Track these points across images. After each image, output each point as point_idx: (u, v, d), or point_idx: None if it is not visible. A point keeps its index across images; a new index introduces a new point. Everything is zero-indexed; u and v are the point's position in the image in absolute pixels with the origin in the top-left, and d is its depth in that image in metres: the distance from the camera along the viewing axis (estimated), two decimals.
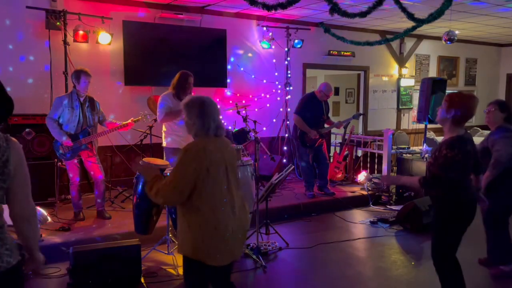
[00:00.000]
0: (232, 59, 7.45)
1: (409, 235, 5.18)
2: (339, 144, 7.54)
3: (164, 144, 4.85)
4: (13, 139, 1.84)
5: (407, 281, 3.98)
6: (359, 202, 6.45)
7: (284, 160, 7.40)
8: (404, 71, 9.71)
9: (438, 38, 9.24)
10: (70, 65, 5.78)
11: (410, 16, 5.74)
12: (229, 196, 2.47)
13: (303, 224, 5.66)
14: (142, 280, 3.84)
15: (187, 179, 2.35)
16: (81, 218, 5.00)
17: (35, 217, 1.96)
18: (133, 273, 3.77)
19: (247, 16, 7.50)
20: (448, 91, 6.46)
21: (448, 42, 7.06)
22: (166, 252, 4.24)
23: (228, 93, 7.44)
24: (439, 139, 8.35)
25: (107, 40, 6.04)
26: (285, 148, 7.84)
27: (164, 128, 4.84)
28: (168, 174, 3.79)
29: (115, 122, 5.10)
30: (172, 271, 4.05)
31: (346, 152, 7.33)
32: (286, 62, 7.93)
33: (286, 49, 7.86)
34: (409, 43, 9.74)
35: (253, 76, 7.69)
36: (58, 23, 5.66)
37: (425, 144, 6.88)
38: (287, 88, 7.96)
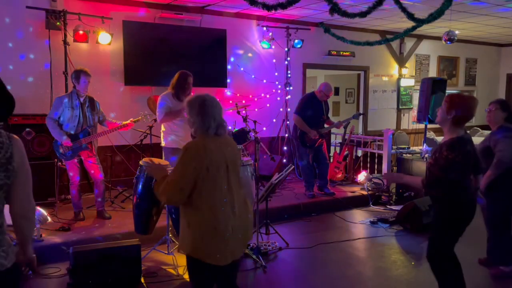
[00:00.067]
0: (232, 59, 7.45)
1: (409, 235, 5.18)
2: (339, 144, 7.54)
3: (163, 144, 4.85)
4: (15, 136, 1.84)
5: (407, 281, 3.98)
6: (359, 202, 6.45)
7: (284, 160, 7.40)
8: (404, 71, 9.72)
9: (438, 38, 9.24)
10: (70, 65, 5.78)
11: (410, 16, 5.74)
12: (230, 195, 2.46)
13: (303, 224, 5.66)
14: (142, 280, 3.84)
15: (187, 178, 2.35)
16: (81, 218, 5.00)
17: (34, 215, 1.96)
18: (133, 273, 3.77)
19: (247, 16, 7.50)
20: (448, 91, 6.46)
21: (448, 42, 7.06)
22: (166, 252, 4.24)
23: (228, 93, 7.44)
24: (439, 139, 8.35)
25: (107, 40, 6.04)
26: (285, 148, 7.84)
27: (163, 128, 4.84)
28: (168, 173, 3.81)
29: (115, 122, 5.10)
30: (172, 271, 4.05)
31: (346, 152, 7.33)
32: (286, 62, 7.93)
33: (286, 49, 7.86)
34: (409, 43, 9.75)
35: (253, 76, 7.69)
36: (58, 23, 5.66)
37: (425, 144, 6.88)
38: (287, 88, 7.96)
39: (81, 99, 4.80)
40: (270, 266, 4.24)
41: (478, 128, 10.37)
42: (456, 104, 2.91)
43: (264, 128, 7.67)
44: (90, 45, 6.12)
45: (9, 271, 1.75)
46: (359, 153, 7.75)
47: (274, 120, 7.96)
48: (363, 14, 5.58)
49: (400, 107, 9.81)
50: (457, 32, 7.25)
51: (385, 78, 9.54)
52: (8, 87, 1.81)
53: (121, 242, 3.99)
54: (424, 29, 8.39)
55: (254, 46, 7.68)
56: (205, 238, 2.39)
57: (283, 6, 5.04)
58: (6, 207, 1.84)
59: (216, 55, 7.07)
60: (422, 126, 8.01)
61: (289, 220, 5.71)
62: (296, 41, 7.75)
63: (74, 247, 3.73)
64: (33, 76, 5.89)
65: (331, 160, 7.35)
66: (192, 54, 6.80)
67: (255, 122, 5.60)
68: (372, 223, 5.61)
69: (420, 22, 5.87)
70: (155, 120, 5.36)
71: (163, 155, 4.97)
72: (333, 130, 7.20)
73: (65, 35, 5.73)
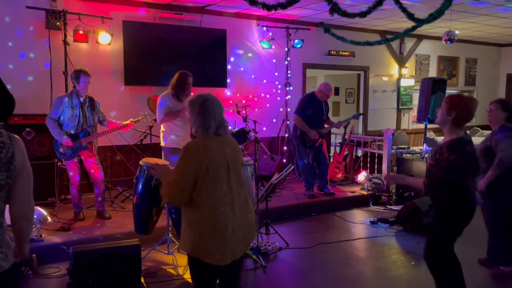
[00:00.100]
0: (232, 59, 7.45)
1: (409, 235, 5.18)
2: (339, 144, 7.53)
3: (162, 143, 4.85)
4: (16, 136, 1.84)
5: (407, 281, 3.98)
6: (359, 202, 6.45)
7: (284, 160, 7.40)
8: (404, 71, 9.72)
9: (438, 38, 9.24)
10: (70, 65, 5.78)
11: (410, 16, 5.74)
12: (230, 195, 2.46)
13: (303, 224, 5.66)
14: (142, 280, 3.84)
15: (188, 178, 2.36)
16: (81, 218, 5.00)
17: (33, 215, 1.96)
18: (133, 273, 3.77)
19: (247, 16, 7.50)
20: (448, 91, 6.47)
21: (448, 42, 7.06)
22: (166, 252, 4.24)
23: (228, 93, 7.44)
24: (439, 139, 8.36)
25: (107, 40, 6.04)
26: (285, 148, 7.84)
27: (162, 128, 4.84)
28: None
29: (115, 122, 5.10)
30: (172, 271, 4.05)
31: (346, 152, 7.33)
32: (286, 62, 7.93)
33: (286, 49, 7.86)
34: (409, 43, 9.75)
35: (253, 76, 7.69)
36: (58, 23, 5.66)
37: (425, 144, 6.87)
38: (287, 88, 7.96)
39: (81, 99, 4.80)
40: (270, 266, 4.24)
41: (478, 128, 10.37)
42: (456, 105, 2.91)
43: (264, 128, 7.67)
44: (90, 45, 6.12)
45: (8, 272, 1.75)
46: (359, 153, 7.75)
47: (274, 120, 7.96)
48: (363, 14, 5.58)
49: (400, 107, 9.81)
50: (457, 32, 7.25)
51: (385, 78, 9.54)
52: (8, 87, 1.81)
53: (121, 242, 3.99)
54: (424, 29, 8.39)
55: (254, 46, 7.68)
56: (205, 238, 2.39)
57: (283, 6, 5.04)
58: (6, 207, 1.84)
59: (216, 55, 7.07)
60: (422, 126, 8.01)
61: (289, 220, 5.71)
62: (296, 41, 7.75)
63: (74, 247, 3.73)
64: (33, 75, 5.88)
65: (331, 160, 7.35)
66: (192, 54, 6.80)
67: (255, 122, 5.59)
68: (372, 223, 5.61)
69: (420, 22, 5.87)
70: (155, 120, 5.36)
71: (162, 155, 4.97)
72: (333, 130, 7.20)
73: (65, 35, 5.73)
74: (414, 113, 9.75)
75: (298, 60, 8.18)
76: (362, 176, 7.00)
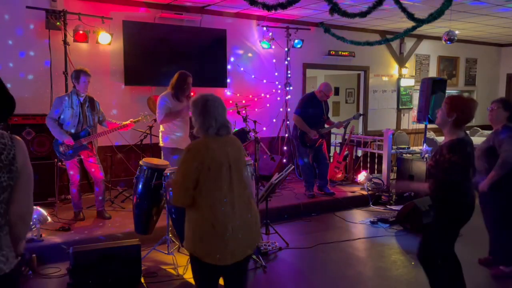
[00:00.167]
0: (232, 59, 7.45)
1: (409, 235, 5.18)
2: (339, 144, 7.53)
3: (161, 143, 4.85)
4: (18, 137, 1.83)
5: (407, 281, 3.98)
6: (359, 202, 6.45)
7: (284, 160, 7.40)
8: (404, 71, 9.71)
9: (438, 38, 9.24)
10: (70, 65, 5.78)
11: (410, 16, 5.74)
12: (230, 195, 2.45)
13: (303, 224, 5.66)
14: (142, 280, 3.84)
15: (190, 178, 2.36)
16: (81, 218, 5.00)
17: (31, 218, 1.95)
18: (133, 273, 3.77)
19: (247, 16, 7.50)
20: (448, 91, 6.47)
21: (448, 42, 7.06)
22: (166, 252, 4.24)
23: (228, 93, 7.44)
24: (439, 139, 8.37)
25: (107, 40, 6.04)
26: (285, 148, 7.84)
27: (162, 128, 4.84)
28: (168, 173, 3.81)
29: (115, 122, 5.10)
30: (172, 271, 4.05)
31: (346, 152, 7.33)
32: (286, 62, 7.93)
33: (286, 49, 7.86)
34: (409, 43, 9.75)
35: (253, 76, 7.69)
36: (58, 23, 5.66)
37: (425, 144, 6.88)
38: (287, 88, 7.96)
39: (81, 99, 4.80)
40: (270, 266, 4.24)
41: (478, 128, 10.37)
42: (457, 107, 2.91)
43: (264, 128, 7.67)
44: (90, 45, 6.12)
45: (8, 276, 1.74)
46: (359, 153, 7.75)
47: (274, 120, 7.96)
48: (363, 14, 5.58)
49: (400, 107, 9.81)
50: (457, 32, 7.25)
51: (385, 78, 9.54)
52: (8, 85, 1.81)
53: (121, 242, 3.99)
54: (424, 29, 8.39)
55: (254, 46, 7.68)
56: (204, 237, 2.39)
57: (283, 6, 5.04)
58: None
59: (216, 55, 7.07)
60: (422, 126, 8.01)
61: (289, 220, 5.71)
62: (296, 41, 7.75)
63: (74, 247, 3.73)
64: (33, 74, 5.88)
65: (331, 160, 7.35)
66: (192, 54, 6.80)
67: (255, 122, 5.60)
68: (372, 223, 5.61)
69: (420, 22, 5.87)
70: (155, 120, 5.36)
71: (162, 155, 4.97)
72: (333, 130, 7.19)
73: (65, 35, 5.73)
74: (414, 113, 9.75)
75: (298, 60, 8.18)
76: (362, 176, 7.00)
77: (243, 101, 7.28)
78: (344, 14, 5.41)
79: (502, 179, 3.73)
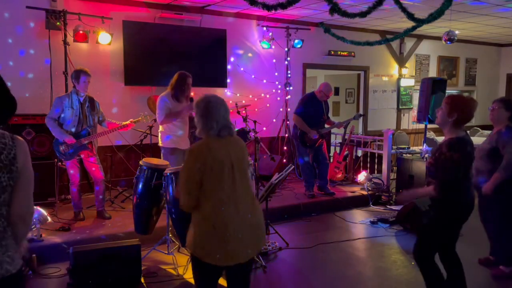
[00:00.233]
0: (232, 59, 7.45)
1: (409, 235, 5.18)
2: (339, 144, 7.53)
3: (161, 143, 4.85)
4: (19, 137, 1.83)
5: (407, 281, 3.98)
6: (359, 202, 6.45)
7: (284, 160, 7.40)
8: (404, 71, 9.72)
9: (438, 38, 9.24)
10: (70, 65, 5.78)
11: (410, 16, 5.74)
12: (233, 195, 2.44)
13: (303, 224, 5.65)
14: (142, 280, 3.84)
15: (193, 180, 2.37)
16: (81, 218, 5.00)
17: (31, 218, 1.95)
18: (133, 273, 3.77)
19: (247, 16, 7.50)
20: (448, 91, 6.46)
21: (448, 42, 7.06)
22: (166, 252, 4.24)
23: (228, 93, 7.43)
24: (439, 139, 8.36)
25: (107, 40, 6.04)
26: (285, 148, 7.84)
27: (161, 128, 4.84)
28: (168, 173, 3.81)
29: (115, 122, 5.10)
30: (172, 271, 4.05)
31: (346, 152, 7.33)
32: (286, 62, 7.93)
33: (286, 49, 7.86)
34: (409, 43, 9.75)
35: (253, 76, 7.69)
36: (58, 23, 5.66)
37: (425, 144, 6.87)
38: (287, 88, 7.96)
39: (81, 99, 4.80)
40: (270, 266, 4.24)
41: (478, 128, 10.37)
42: (457, 107, 2.91)
43: (264, 128, 7.67)
44: (90, 45, 6.12)
45: (14, 276, 1.74)
46: (359, 153, 7.75)
47: (274, 120, 7.96)
48: (363, 14, 5.58)
49: (400, 107, 9.81)
50: (457, 32, 7.25)
51: (385, 78, 9.54)
52: (8, 84, 1.81)
53: (121, 242, 3.99)
54: (424, 29, 8.39)
55: (254, 46, 7.68)
56: (205, 237, 2.39)
57: (283, 6, 5.04)
58: None
59: (216, 55, 7.06)
60: (422, 126, 8.01)
61: (289, 220, 5.71)
62: (296, 41, 7.75)
63: (74, 247, 3.73)
64: (33, 72, 5.88)
65: (331, 160, 7.34)
66: (192, 54, 6.80)
67: (255, 122, 5.61)
68: (372, 223, 5.61)
69: (420, 22, 5.87)
70: (155, 120, 5.36)
71: (161, 155, 4.97)
72: (333, 130, 7.19)
73: (65, 35, 5.73)
74: (414, 113, 9.75)
75: (298, 60, 8.18)
76: (362, 176, 7.00)
77: (243, 101, 7.28)
78: (344, 14, 5.41)
79: (505, 180, 3.72)
